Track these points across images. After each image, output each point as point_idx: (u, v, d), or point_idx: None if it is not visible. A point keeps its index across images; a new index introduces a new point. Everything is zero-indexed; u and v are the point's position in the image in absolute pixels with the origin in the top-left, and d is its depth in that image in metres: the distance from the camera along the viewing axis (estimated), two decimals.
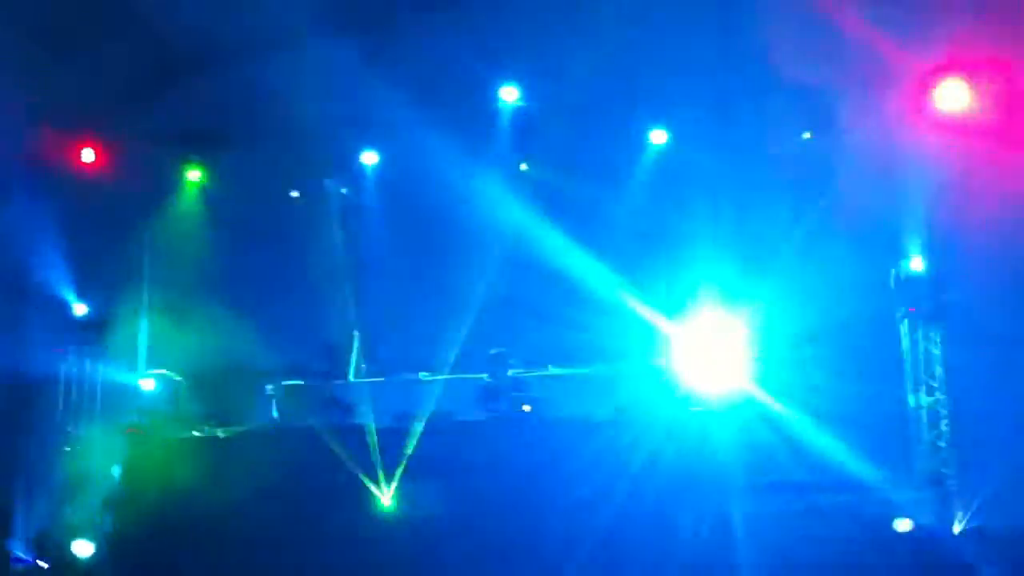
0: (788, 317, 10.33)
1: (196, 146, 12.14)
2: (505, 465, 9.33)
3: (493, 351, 10.53)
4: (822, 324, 10.10)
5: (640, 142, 11.85)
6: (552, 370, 10.61)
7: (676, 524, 8.84)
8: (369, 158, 12.47)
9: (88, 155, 12.01)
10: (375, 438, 9.55)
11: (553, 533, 9.03)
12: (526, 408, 9.83)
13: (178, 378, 10.75)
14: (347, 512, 9.26)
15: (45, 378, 11.31)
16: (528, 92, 11.94)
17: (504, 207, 11.59)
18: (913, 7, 9.96)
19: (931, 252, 10.36)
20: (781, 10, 10.67)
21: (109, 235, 11.76)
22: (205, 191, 12.35)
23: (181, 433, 9.85)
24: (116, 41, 11.22)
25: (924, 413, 10.20)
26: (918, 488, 9.82)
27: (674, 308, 10.60)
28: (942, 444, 10.10)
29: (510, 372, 10.42)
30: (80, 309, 11.64)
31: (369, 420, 9.77)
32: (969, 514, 9.71)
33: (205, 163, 12.27)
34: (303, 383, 10.67)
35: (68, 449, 10.98)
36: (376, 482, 9.30)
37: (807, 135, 11.32)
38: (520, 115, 11.99)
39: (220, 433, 9.80)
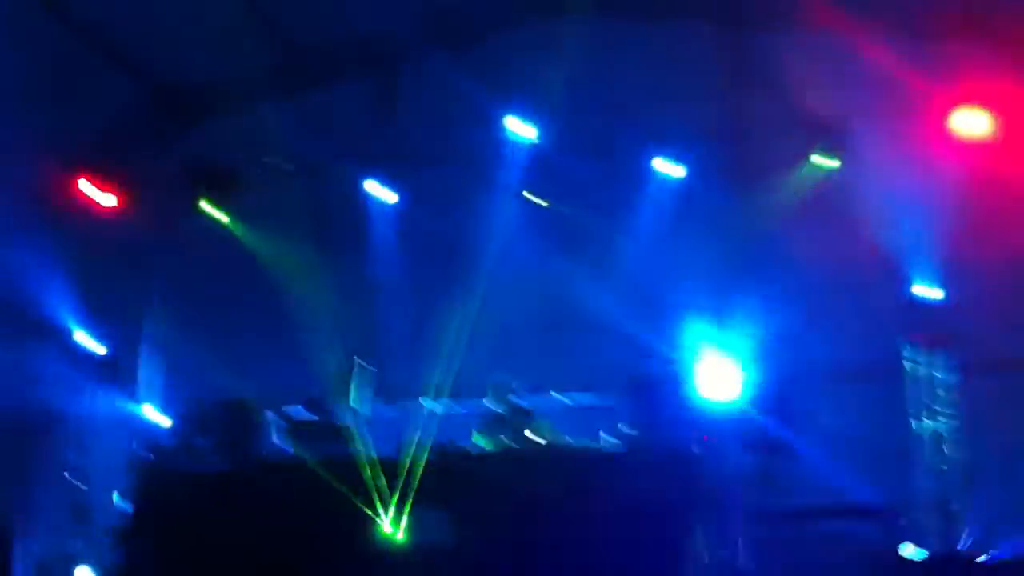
0: (795, 343, 10.40)
1: (207, 184, 12.22)
2: (513, 494, 9.32)
3: (497, 378, 10.57)
4: (830, 349, 10.17)
5: (651, 174, 11.96)
6: (557, 397, 10.65)
7: (685, 552, 8.84)
8: (379, 191, 12.58)
9: (98, 193, 12.10)
10: (383, 467, 9.55)
11: (561, 562, 9.02)
12: (534, 437, 9.82)
13: (190, 409, 10.76)
14: (356, 543, 9.24)
15: (56, 413, 11.38)
16: (539, 127, 12.06)
17: (509, 236, 11.68)
18: (930, 35, 10.08)
19: (942, 278, 10.45)
20: (796, 39, 10.82)
21: (120, 271, 11.83)
22: (217, 227, 12.44)
23: (190, 465, 9.85)
24: (125, 77, 11.32)
25: (930, 438, 10.26)
26: (923, 512, 9.88)
27: (683, 335, 10.67)
28: (945, 468, 10.18)
29: (515, 399, 10.45)
30: (92, 345, 11.74)
31: (376, 449, 9.77)
32: (974, 539, 9.76)
33: (216, 200, 12.35)
34: (309, 413, 10.67)
35: (75, 481, 11.01)
36: (384, 513, 9.30)
37: (817, 159, 11.44)
38: (531, 149, 12.10)
39: (228, 465, 9.79)
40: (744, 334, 10.46)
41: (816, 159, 11.45)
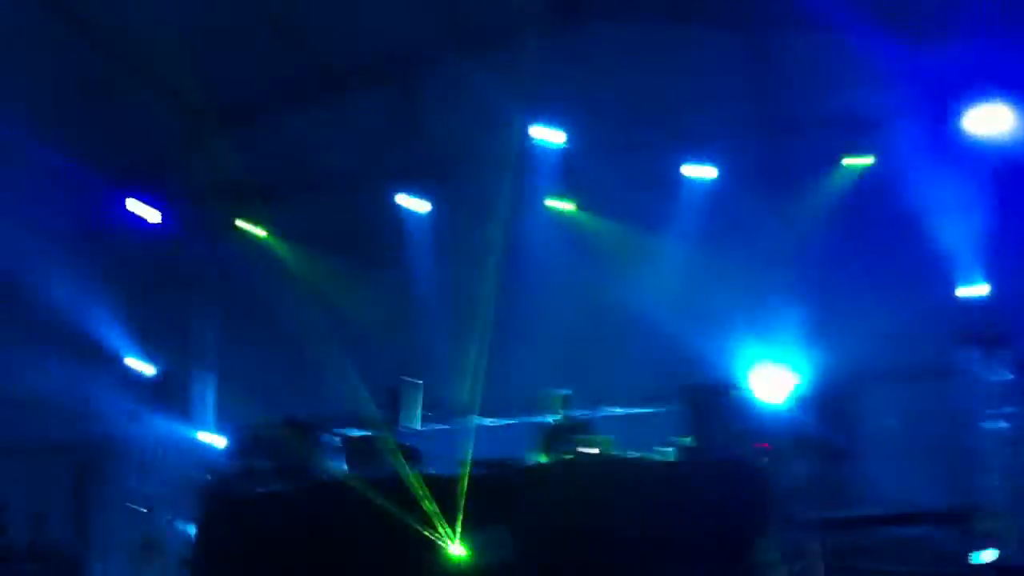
0: (850, 347, 10.25)
1: (250, 200, 12.34)
2: (573, 507, 9.25)
3: (551, 390, 10.51)
4: (886, 354, 10.01)
5: (682, 177, 11.87)
6: (614, 410, 10.57)
7: (754, 564, 8.71)
8: (414, 204, 12.60)
9: (144, 209, 12.29)
10: (440, 485, 9.53)
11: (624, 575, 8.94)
12: (591, 450, 9.75)
13: (246, 431, 10.84)
14: (419, 562, 9.23)
15: (116, 439, 11.50)
16: (569, 132, 12.03)
17: (543, 243, 11.66)
18: (959, 32, 9.95)
19: (996, 276, 10.26)
20: (822, 39, 10.72)
21: (166, 290, 11.96)
22: (257, 243, 12.53)
23: (252, 489, 9.90)
24: (162, 98, 11.49)
25: (997, 439, 10.05)
26: (996, 516, 9.66)
27: (731, 342, 10.56)
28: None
29: (570, 411, 10.39)
30: (143, 367, 11.85)
31: (436, 468, 9.76)
32: None
33: (259, 217, 12.45)
34: (368, 433, 10.70)
35: (141, 509, 11.10)
36: (445, 531, 9.27)
37: (849, 160, 11.32)
38: (561, 155, 12.07)
39: (290, 487, 9.83)
40: (791, 338, 10.33)
41: (848, 161, 11.35)
